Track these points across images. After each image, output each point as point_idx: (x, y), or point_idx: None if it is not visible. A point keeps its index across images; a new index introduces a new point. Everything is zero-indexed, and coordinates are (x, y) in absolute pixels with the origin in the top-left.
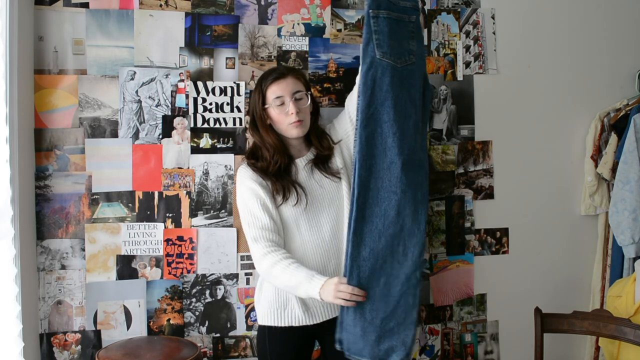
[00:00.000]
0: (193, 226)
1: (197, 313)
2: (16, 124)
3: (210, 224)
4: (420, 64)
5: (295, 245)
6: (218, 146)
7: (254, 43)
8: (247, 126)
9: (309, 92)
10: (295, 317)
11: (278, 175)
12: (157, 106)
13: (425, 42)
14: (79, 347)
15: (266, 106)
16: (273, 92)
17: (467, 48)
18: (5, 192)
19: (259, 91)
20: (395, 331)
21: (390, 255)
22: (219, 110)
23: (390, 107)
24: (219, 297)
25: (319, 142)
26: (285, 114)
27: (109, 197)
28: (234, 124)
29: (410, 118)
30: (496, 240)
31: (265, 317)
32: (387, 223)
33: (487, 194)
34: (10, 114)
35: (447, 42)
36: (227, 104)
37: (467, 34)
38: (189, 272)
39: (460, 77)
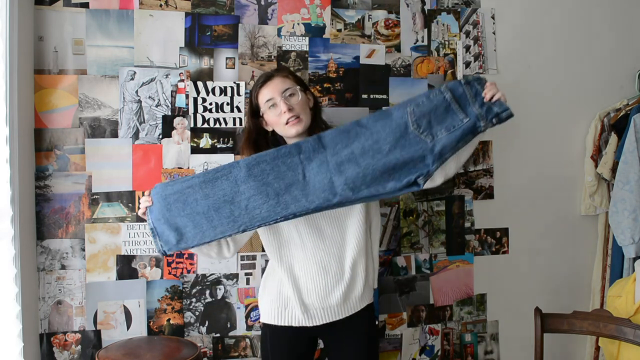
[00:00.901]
0: None
1: (197, 313)
2: (16, 124)
3: None
4: (428, 152)
5: (296, 245)
6: (218, 146)
7: (254, 43)
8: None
9: (301, 87)
10: (294, 318)
11: None
12: (157, 106)
13: (425, 42)
14: (79, 347)
15: (262, 112)
16: (263, 96)
17: (467, 48)
18: (5, 192)
19: (250, 101)
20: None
21: (231, 204)
22: (219, 110)
23: (374, 140)
24: (219, 297)
25: None
26: (279, 115)
27: (109, 197)
28: (234, 124)
29: (373, 160)
30: (496, 240)
31: (267, 315)
32: (258, 181)
33: (487, 194)
34: (10, 114)
35: (447, 42)
36: (227, 104)
37: (467, 34)
38: (189, 272)
39: (460, 77)
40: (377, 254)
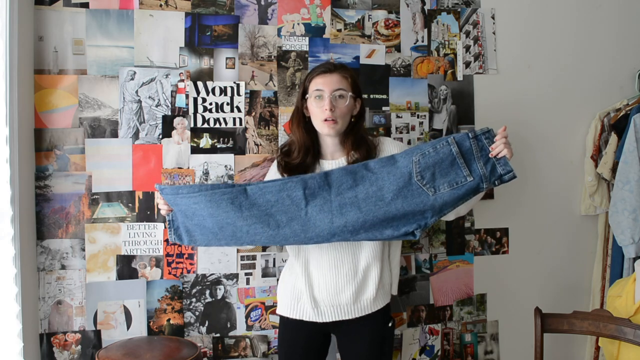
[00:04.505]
0: None
1: (197, 313)
2: (16, 124)
3: None
4: (429, 207)
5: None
6: (218, 146)
7: (254, 43)
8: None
9: (354, 94)
10: (305, 312)
11: (297, 173)
12: (157, 106)
13: (425, 42)
14: (79, 347)
15: (306, 96)
16: (315, 84)
17: (467, 48)
18: (5, 192)
19: (303, 83)
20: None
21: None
22: (219, 110)
23: (378, 178)
24: (219, 297)
25: (353, 148)
26: (320, 109)
27: (109, 197)
28: (234, 124)
29: (375, 207)
30: (496, 240)
31: (282, 307)
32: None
33: (487, 194)
34: (10, 114)
35: (447, 42)
36: (227, 104)
37: (467, 34)
38: (189, 272)
39: (460, 77)
40: (398, 262)
